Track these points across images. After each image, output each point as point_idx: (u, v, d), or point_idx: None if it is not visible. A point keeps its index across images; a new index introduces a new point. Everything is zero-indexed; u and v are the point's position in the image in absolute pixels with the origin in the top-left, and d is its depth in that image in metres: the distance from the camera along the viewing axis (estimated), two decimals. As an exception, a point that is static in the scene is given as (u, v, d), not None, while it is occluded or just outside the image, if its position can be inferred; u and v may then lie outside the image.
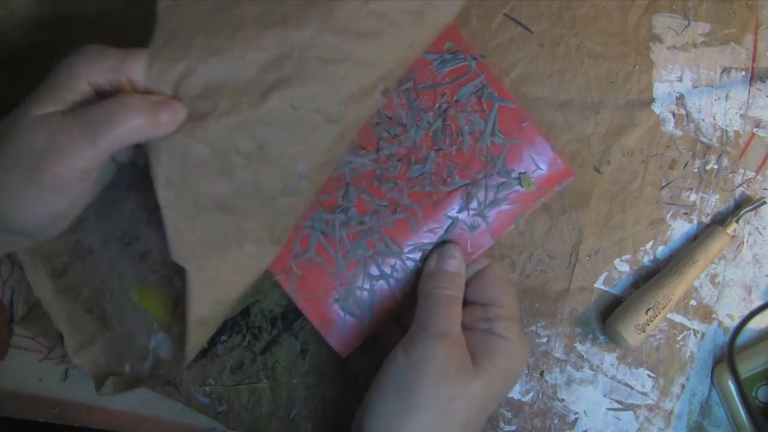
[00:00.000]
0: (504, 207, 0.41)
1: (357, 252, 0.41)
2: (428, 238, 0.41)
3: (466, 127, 0.41)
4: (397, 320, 0.42)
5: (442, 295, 0.38)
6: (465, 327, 0.38)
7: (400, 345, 0.37)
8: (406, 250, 0.41)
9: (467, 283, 0.40)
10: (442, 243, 0.41)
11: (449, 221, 0.41)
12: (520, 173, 0.41)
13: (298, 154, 0.33)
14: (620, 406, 0.45)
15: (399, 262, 0.41)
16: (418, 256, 0.41)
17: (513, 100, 0.42)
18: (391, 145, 0.41)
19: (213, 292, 0.36)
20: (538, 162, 0.42)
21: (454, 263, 0.40)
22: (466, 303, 0.40)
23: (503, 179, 0.41)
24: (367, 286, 0.41)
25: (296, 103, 0.32)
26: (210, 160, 0.32)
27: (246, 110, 0.31)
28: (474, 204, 0.41)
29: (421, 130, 0.41)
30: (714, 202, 0.45)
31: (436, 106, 0.41)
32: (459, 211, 0.41)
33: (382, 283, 0.41)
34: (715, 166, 0.45)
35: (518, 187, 0.42)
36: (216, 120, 0.31)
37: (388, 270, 0.41)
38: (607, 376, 0.45)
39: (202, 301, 0.35)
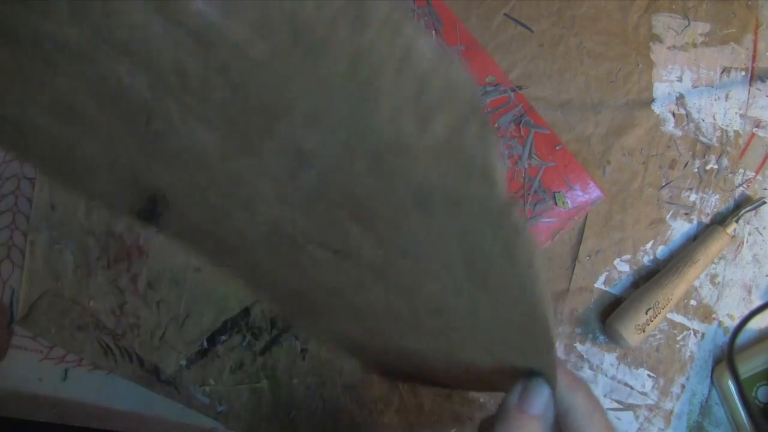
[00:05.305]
0: (541, 223, 0.44)
1: None
2: None
3: (506, 152, 0.44)
4: None
5: None
6: None
7: None
8: None
9: None
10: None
11: None
12: (554, 192, 0.44)
13: None
14: (620, 406, 0.45)
15: None
16: None
17: (548, 127, 0.45)
18: None
19: None
20: (571, 182, 0.45)
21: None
22: None
23: (540, 197, 0.44)
24: None
25: None
26: None
27: None
28: None
29: None
30: (714, 202, 0.45)
31: None
32: None
33: None
34: (715, 166, 0.45)
35: (554, 205, 0.44)
36: None
37: None
38: (607, 376, 0.45)
39: None
